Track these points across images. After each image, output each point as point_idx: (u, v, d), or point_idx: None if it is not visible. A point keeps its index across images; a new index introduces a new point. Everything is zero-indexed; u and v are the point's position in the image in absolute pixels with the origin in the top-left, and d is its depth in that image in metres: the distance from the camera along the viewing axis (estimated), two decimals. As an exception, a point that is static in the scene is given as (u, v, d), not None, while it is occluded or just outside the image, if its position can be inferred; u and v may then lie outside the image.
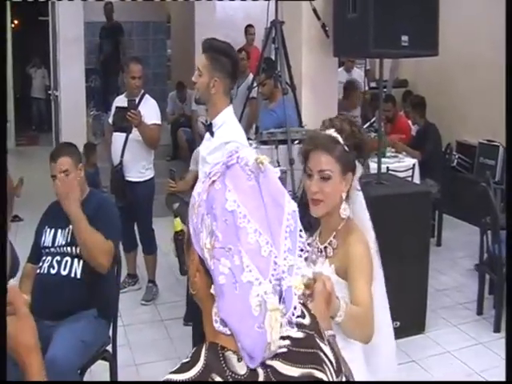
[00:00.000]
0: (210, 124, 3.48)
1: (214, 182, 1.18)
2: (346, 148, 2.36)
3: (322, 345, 1.25)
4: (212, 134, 3.46)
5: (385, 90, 9.01)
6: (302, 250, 1.19)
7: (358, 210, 2.47)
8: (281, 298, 1.14)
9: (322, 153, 2.38)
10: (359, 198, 2.48)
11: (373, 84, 10.07)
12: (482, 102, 8.81)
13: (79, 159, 4.05)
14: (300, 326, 1.22)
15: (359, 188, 2.47)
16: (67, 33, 9.10)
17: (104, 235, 3.78)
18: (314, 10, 5.69)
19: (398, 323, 4.97)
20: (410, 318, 5.15)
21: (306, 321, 1.26)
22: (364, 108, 8.85)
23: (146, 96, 5.99)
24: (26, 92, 17.38)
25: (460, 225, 7.96)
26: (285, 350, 1.17)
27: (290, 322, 1.16)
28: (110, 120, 6.07)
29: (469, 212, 7.69)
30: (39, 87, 16.83)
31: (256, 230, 1.13)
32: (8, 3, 14.84)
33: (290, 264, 1.16)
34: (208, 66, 3.39)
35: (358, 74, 9.03)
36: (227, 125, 3.46)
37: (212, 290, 1.15)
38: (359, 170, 2.43)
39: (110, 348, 3.96)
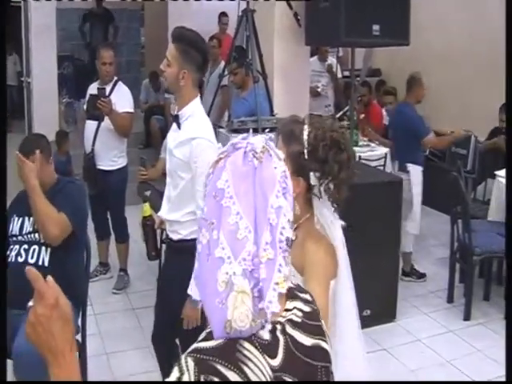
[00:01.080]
0: (177, 115, 3.44)
1: (220, 159, 1.27)
2: (306, 154, 2.24)
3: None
4: (179, 125, 3.42)
5: (358, 79, 9.02)
6: (281, 248, 1.25)
7: (323, 215, 2.35)
8: (256, 286, 1.20)
9: (279, 139, 2.32)
10: (324, 207, 2.34)
11: (346, 73, 10.10)
12: (455, 92, 8.87)
13: (49, 152, 4.00)
14: (306, 302, 1.37)
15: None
16: (39, 19, 8.99)
17: (57, 209, 3.76)
18: (286, -1, 5.68)
19: (369, 311, 5.02)
20: (380, 306, 5.19)
21: (309, 297, 1.40)
22: (337, 96, 8.85)
23: (119, 83, 5.93)
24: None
25: (432, 213, 8.01)
26: (299, 320, 1.31)
27: (259, 314, 1.21)
28: (85, 107, 6.02)
29: (441, 201, 7.74)
30: (11, 74, 16.61)
31: (238, 212, 1.20)
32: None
33: (269, 257, 1.22)
34: (178, 58, 3.31)
35: (332, 63, 9.02)
36: (194, 118, 3.41)
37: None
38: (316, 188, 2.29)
39: (79, 337, 3.93)
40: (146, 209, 3.65)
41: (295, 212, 1.37)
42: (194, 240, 3.54)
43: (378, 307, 5.10)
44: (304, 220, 2.36)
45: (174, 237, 3.50)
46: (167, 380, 1.20)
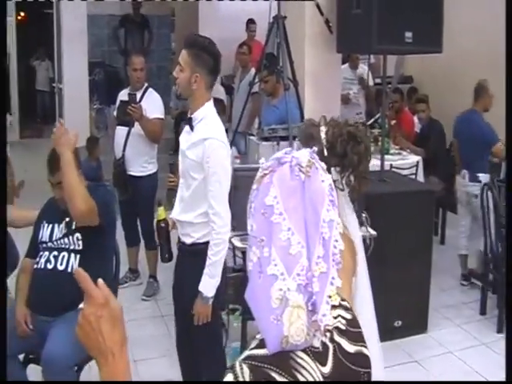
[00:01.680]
0: (190, 118, 3.48)
1: (265, 174, 1.27)
2: (325, 152, 2.31)
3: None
4: (192, 128, 3.47)
5: (389, 86, 8.94)
6: (334, 261, 1.25)
7: (344, 212, 2.40)
8: (310, 300, 1.20)
9: (299, 143, 2.50)
10: (343, 198, 2.38)
11: (378, 80, 10.02)
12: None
13: (77, 161, 3.99)
14: (346, 309, 1.38)
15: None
16: (70, 26, 9.07)
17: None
18: (318, 6, 5.64)
19: (400, 322, 4.96)
20: (412, 317, 5.12)
21: (348, 304, 1.41)
22: (369, 104, 8.78)
23: (150, 90, 5.95)
24: (31, 85, 17.34)
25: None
26: (344, 328, 1.33)
27: (316, 330, 1.23)
28: (115, 113, 6.04)
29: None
30: (43, 80, 16.78)
31: (290, 228, 1.20)
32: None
33: (322, 271, 1.22)
34: (190, 62, 3.39)
35: (363, 70, 8.95)
36: (207, 120, 3.47)
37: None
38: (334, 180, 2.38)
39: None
40: (161, 212, 3.66)
41: None
42: (207, 243, 3.56)
43: (409, 318, 5.03)
44: None
45: (187, 240, 3.54)
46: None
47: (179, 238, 3.65)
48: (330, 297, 1.24)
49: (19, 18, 16.38)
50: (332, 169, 2.32)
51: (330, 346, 1.27)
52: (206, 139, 3.36)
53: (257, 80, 5.99)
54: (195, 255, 3.47)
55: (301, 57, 5.76)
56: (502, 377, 4.54)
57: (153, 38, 11.82)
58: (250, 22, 10.09)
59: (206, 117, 3.47)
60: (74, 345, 3.49)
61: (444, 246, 7.39)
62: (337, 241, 1.25)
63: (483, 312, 5.64)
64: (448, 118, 8.14)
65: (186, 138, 3.53)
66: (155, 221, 3.75)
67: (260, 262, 1.20)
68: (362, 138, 2.37)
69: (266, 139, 5.01)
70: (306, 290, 1.19)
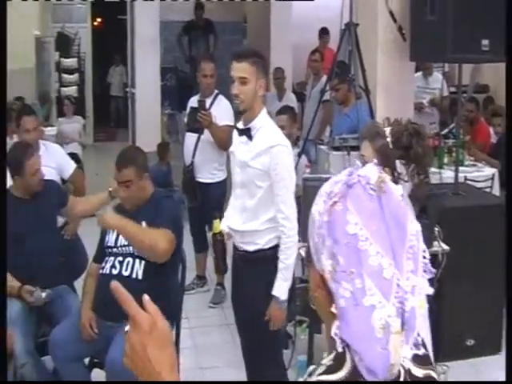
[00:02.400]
0: (249, 128, 3.49)
1: (335, 202, 1.19)
2: (391, 144, 2.50)
3: None
4: (250, 137, 3.47)
5: (464, 95, 8.73)
6: (425, 271, 1.18)
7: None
8: (403, 320, 1.14)
9: (365, 141, 2.64)
10: (405, 189, 2.45)
11: (452, 89, 9.79)
12: None
13: (145, 167, 3.98)
14: None
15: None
16: (144, 32, 9.17)
17: (163, 226, 3.74)
18: (391, 12, 5.55)
19: (473, 341, 4.79)
20: (485, 336, 4.94)
21: None
22: (443, 114, 8.58)
23: (220, 96, 5.94)
24: (105, 89, 17.67)
25: None
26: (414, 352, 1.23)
27: (415, 344, 1.18)
28: (185, 120, 6.05)
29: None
30: (117, 85, 17.07)
31: (378, 252, 1.13)
32: (89, 3, 15.14)
33: (413, 284, 1.15)
34: (254, 72, 3.42)
35: (437, 78, 8.72)
36: (266, 128, 3.50)
37: (333, 309, 1.17)
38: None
39: (172, 351, 3.90)
40: (217, 225, 3.66)
41: None
42: (271, 249, 3.62)
43: (482, 337, 4.86)
44: None
45: (250, 248, 3.54)
46: None
47: (237, 248, 3.65)
48: (419, 307, 1.18)
49: (95, 23, 16.72)
50: (397, 162, 2.44)
51: (402, 372, 1.19)
52: (273, 146, 3.39)
53: (328, 88, 5.92)
54: (260, 262, 3.49)
55: (373, 65, 5.67)
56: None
57: (218, 42, 11.79)
58: (323, 28, 10.01)
59: (265, 124, 3.50)
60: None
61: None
62: (424, 250, 1.19)
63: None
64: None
65: (243, 148, 3.54)
66: (210, 233, 3.76)
67: (354, 296, 1.13)
68: (425, 135, 2.58)
69: (337, 149, 4.94)
70: (402, 310, 1.14)
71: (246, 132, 3.49)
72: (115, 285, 1.28)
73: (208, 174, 5.89)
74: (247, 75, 3.40)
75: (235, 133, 3.70)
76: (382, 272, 1.12)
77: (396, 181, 2.48)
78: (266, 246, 3.49)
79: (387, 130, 2.50)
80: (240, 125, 3.62)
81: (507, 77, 4.25)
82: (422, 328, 1.18)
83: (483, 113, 8.71)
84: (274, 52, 9.47)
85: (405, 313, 1.13)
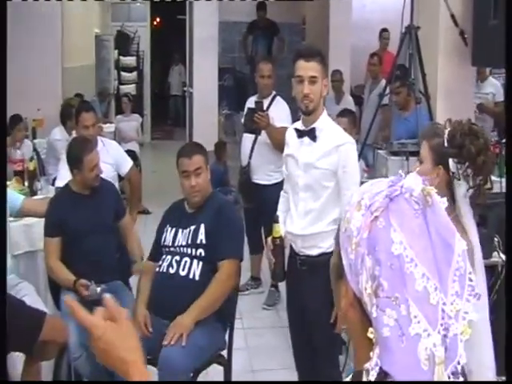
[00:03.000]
0: (313, 129, 3.46)
1: (376, 217, 1.08)
2: (446, 142, 2.47)
3: None
4: (314, 138, 3.45)
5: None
6: (470, 295, 1.08)
7: (459, 201, 2.51)
8: (446, 348, 1.04)
9: (423, 142, 2.63)
10: (461, 188, 2.50)
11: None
12: None
13: (208, 160, 4.07)
14: None
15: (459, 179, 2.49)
16: (202, 32, 9.23)
17: (227, 253, 3.78)
18: (453, 16, 5.47)
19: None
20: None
21: None
22: (497, 120, 8.41)
23: (278, 98, 5.92)
24: (164, 88, 17.85)
25: None
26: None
27: (453, 373, 1.06)
28: (242, 120, 6.07)
29: None
30: (176, 84, 17.23)
31: (424, 274, 1.03)
32: (149, 2, 15.31)
33: (457, 309, 1.05)
34: (321, 71, 3.42)
35: (491, 83, 8.52)
36: (329, 127, 3.50)
37: (369, 334, 1.07)
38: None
39: (225, 353, 3.93)
40: (278, 229, 3.59)
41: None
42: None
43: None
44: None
45: (313, 252, 3.52)
46: None
47: (298, 254, 3.62)
48: (461, 333, 1.06)
49: (155, 23, 16.91)
50: (450, 160, 2.44)
51: None
52: (342, 145, 3.41)
53: (387, 91, 5.86)
54: (324, 266, 3.36)
55: (433, 69, 5.61)
56: None
57: (284, 45, 11.77)
58: (384, 30, 9.94)
59: (328, 124, 3.51)
60: (191, 350, 3.55)
61: None
62: (470, 272, 1.08)
63: None
64: None
65: (308, 150, 3.51)
66: (270, 238, 3.69)
67: (399, 324, 1.02)
68: (482, 134, 2.48)
69: (395, 154, 4.89)
70: (443, 339, 1.04)
71: (310, 133, 3.46)
72: (69, 302, 1.37)
73: (264, 175, 5.87)
74: (315, 74, 3.38)
75: (292, 135, 3.66)
76: (427, 297, 1.03)
77: (451, 180, 2.47)
78: (330, 249, 3.42)
79: (446, 130, 2.50)
80: (300, 126, 3.58)
81: (507, 79, 4.16)
82: (463, 355, 1.06)
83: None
84: (333, 54, 9.42)
85: (447, 339, 1.04)
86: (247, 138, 5.91)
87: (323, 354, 3.64)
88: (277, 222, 3.61)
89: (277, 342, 5.23)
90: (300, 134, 3.56)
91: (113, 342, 1.33)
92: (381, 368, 1.04)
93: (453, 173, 2.46)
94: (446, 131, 2.49)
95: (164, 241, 3.94)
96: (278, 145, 5.74)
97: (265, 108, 5.70)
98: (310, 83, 3.37)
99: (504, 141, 7.13)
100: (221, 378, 3.97)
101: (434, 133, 2.55)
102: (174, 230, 3.94)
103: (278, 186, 5.88)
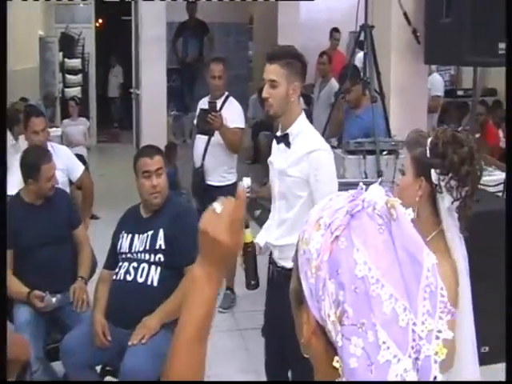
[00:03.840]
0: (286, 134, 3.30)
1: (337, 237, 0.99)
2: (428, 153, 2.32)
3: None
4: (288, 144, 3.29)
5: (471, 99, 8.67)
6: (442, 312, 0.99)
7: (443, 215, 2.35)
8: (418, 369, 0.95)
9: (405, 151, 2.50)
10: (445, 201, 2.33)
11: (460, 92, 9.77)
12: None
13: (169, 161, 4.01)
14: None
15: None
16: (149, 32, 9.09)
17: (191, 260, 3.65)
18: (405, 14, 5.47)
19: (487, 348, 4.72)
20: (500, 343, 4.86)
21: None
22: (446, 116, 8.53)
23: (230, 99, 5.87)
24: (107, 90, 17.62)
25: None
26: None
27: None
28: (195, 122, 5.97)
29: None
30: (114, 86, 16.99)
31: (391, 295, 0.95)
32: (93, 3, 15.10)
33: (429, 329, 0.97)
34: (285, 74, 3.22)
35: (436, 80, 8.65)
36: (304, 133, 3.31)
37: (335, 364, 0.97)
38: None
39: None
40: (248, 235, 3.43)
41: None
42: None
43: (497, 344, 4.78)
44: (431, 238, 2.31)
45: (288, 264, 3.20)
46: None
47: (276, 264, 3.47)
48: (436, 353, 0.98)
49: (98, 24, 16.66)
50: (432, 171, 2.29)
51: None
52: (312, 152, 3.21)
53: (342, 90, 5.85)
54: None
55: (387, 67, 5.61)
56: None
57: (213, 44, 11.65)
58: (335, 30, 9.96)
59: (303, 130, 3.31)
60: (153, 359, 3.44)
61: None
62: (442, 288, 1.00)
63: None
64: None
65: (281, 156, 3.35)
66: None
67: (367, 353, 0.94)
68: (466, 142, 2.31)
69: (352, 153, 4.85)
70: (415, 362, 0.96)
71: (284, 139, 3.31)
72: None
73: (218, 176, 5.80)
74: (276, 78, 3.22)
75: (274, 142, 3.51)
76: (396, 319, 0.94)
77: (434, 192, 2.33)
78: None
79: (429, 139, 2.38)
80: (278, 132, 3.44)
81: (507, 79, 4.20)
82: (438, 377, 0.98)
83: (491, 116, 8.67)
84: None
85: (418, 362, 0.96)
86: (200, 140, 5.82)
87: (296, 369, 3.47)
88: (247, 227, 3.50)
89: (234, 345, 5.16)
90: (277, 140, 3.42)
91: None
92: None
93: (435, 185, 2.32)
94: (429, 140, 2.37)
95: (120, 248, 3.84)
96: (232, 145, 5.70)
97: (218, 108, 5.62)
98: (271, 87, 3.24)
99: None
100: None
101: (417, 142, 2.38)
102: (130, 236, 3.84)
103: (232, 187, 5.84)
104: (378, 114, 5.16)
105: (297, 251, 1.09)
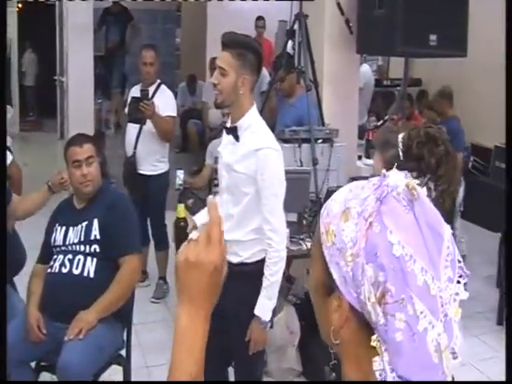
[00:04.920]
0: (235, 127, 3.19)
1: (370, 223, 1.06)
2: (401, 156, 2.24)
3: None
4: (237, 138, 3.18)
5: (398, 88, 8.83)
6: (460, 276, 1.08)
7: None
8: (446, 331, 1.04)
9: (376, 153, 2.42)
10: None
11: (387, 82, 9.92)
12: (498, 105, 8.64)
13: (98, 149, 3.92)
14: None
15: None
16: (76, 19, 8.89)
17: (127, 249, 3.68)
18: (338, 5, 5.51)
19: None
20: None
21: None
22: (373, 105, 8.65)
23: (162, 87, 5.81)
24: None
25: (473, 229, 7.75)
26: None
27: (452, 353, 1.06)
28: (126, 110, 5.86)
29: (482, 215, 7.52)
30: (31, 73, 16.52)
31: (422, 268, 1.03)
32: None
33: (450, 293, 1.06)
34: (235, 64, 3.09)
35: (366, 69, 8.75)
36: (254, 128, 3.18)
37: (373, 343, 1.04)
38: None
39: (123, 352, 3.80)
40: (181, 210, 3.34)
41: None
42: (256, 263, 3.25)
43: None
44: None
45: (233, 259, 3.13)
46: None
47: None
48: (455, 315, 1.07)
49: (18, 8, 16.13)
50: (408, 174, 2.24)
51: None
52: (259, 149, 3.07)
53: (276, 79, 5.83)
54: (243, 277, 3.06)
55: (320, 57, 5.62)
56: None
57: (138, 32, 11.47)
58: (259, 18, 9.92)
59: (253, 124, 3.18)
60: (91, 353, 3.37)
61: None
62: (459, 255, 1.10)
63: (500, 322, 5.49)
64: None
65: (230, 149, 3.23)
66: (174, 219, 3.41)
67: (409, 325, 1.02)
68: (442, 140, 2.29)
69: (287, 141, 4.85)
70: (445, 322, 1.04)
71: (233, 131, 3.19)
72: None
73: (150, 165, 5.73)
74: (225, 67, 3.10)
75: (224, 132, 3.37)
76: (428, 290, 1.02)
77: None
78: (250, 260, 3.18)
79: (400, 137, 2.28)
80: (228, 123, 3.32)
81: (507, 78, 4.29)
82: (459, 336, 1.07)
83: (416, 106, 8.84)
84: (211, 42, 9.31)
85: (445, 324, 1.04)
86: (132, 128, 5.73)
87: (240, 366, 3.42)
88: (181, 202, 3.40)
89: (169, 335, 5.09)
90: (226, 131, 3.30)
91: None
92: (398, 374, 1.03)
93: None
94: (400, 140, 2.27)
95: (54, 241, 3.75)
96: (164, 134, 5.63)
97: (150, 96, 5.54)
98: (220, 74, 3.11)
99: (378, 124, 7.33)
100: (120, 378, 3.82)
101: (387, 142, 2.29)
102: (63, 228, 3.75)
103: (164, 175, 5.79)
104: (312, 102, 5.18)
105: (319, 246, 1.14)
